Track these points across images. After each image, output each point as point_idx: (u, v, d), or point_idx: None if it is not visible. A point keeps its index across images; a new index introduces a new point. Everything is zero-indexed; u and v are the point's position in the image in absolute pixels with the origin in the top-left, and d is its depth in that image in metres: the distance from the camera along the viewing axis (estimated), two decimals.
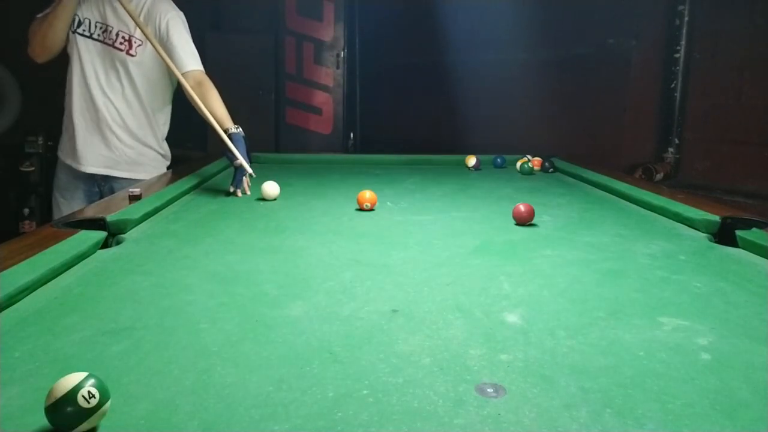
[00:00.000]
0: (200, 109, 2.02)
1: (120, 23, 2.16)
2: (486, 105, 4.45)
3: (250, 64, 5.09)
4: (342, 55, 5.02)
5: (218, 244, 1.38)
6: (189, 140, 4.85)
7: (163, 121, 2.34)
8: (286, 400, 0.69)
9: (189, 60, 2.13)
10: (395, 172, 2.57)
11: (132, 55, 2.17)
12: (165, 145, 2.38)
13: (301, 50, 5.07)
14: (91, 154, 2.21)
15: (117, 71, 2.19)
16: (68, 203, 2.25)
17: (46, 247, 1.16)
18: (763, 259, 1.26)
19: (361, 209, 1.77)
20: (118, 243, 1.37)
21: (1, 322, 0.88)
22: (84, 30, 2.16)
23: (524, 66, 4.23)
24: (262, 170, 2.57)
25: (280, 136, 5.23)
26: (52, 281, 1.07)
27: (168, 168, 2.40)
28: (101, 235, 1.32)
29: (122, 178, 2.23)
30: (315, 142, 5.14)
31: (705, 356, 0.82)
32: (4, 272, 1.02)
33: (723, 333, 0.90)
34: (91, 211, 1.53)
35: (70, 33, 2.16)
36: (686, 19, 3.22)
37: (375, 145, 5.12)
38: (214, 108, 2.03)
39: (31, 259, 1.09)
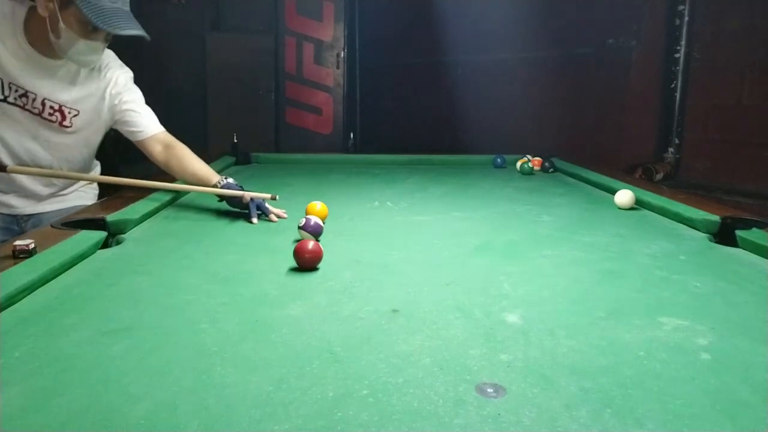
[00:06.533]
0: (180, 172, 1.76)
1: (44, 89, 1.63)
2: (486, 105, 4.45)
3: (250, 64, 5.10)
4: (342, 55, 5.02)
5: (218, 244, 1.38)
6: (189, 141, 4.85)
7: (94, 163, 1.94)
8: (286, 400, 0.69)
9: (154, 121, 1.80)
10: (395, 172, 2.57)
11: (66, 127, 1.70)
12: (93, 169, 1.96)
13: (301, 50, 5.07)
14: (12, 200, 1.78)
15: (46, 142, 1.70)
16: None
17: (46, 247, 1.16)
18: (763, 259, 1.26)
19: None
20: (118, 243, 1.37)
21: (1, 322, 0.89)
22: None
23: (524, 66, 4.23)
24: (262, 170, 2.57)
25: (280, 136, 5.24)
26: (52, 281, 1.07)
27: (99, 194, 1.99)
28: (101, 235, 1.32)
29: (49, 212, 1.82)
30: (315, 142, 5.15)
31: (705, 356, 0.82)
32: (4, 272, 1.02)
33: (723, 333, 0.90)
34: (91, 211, 1.53)
35: None
36: (686, 19, 3.21)
37: (375, 145, 5.13)
38: (196, 168, 1.74)
39: (31, 259, 1.09)
